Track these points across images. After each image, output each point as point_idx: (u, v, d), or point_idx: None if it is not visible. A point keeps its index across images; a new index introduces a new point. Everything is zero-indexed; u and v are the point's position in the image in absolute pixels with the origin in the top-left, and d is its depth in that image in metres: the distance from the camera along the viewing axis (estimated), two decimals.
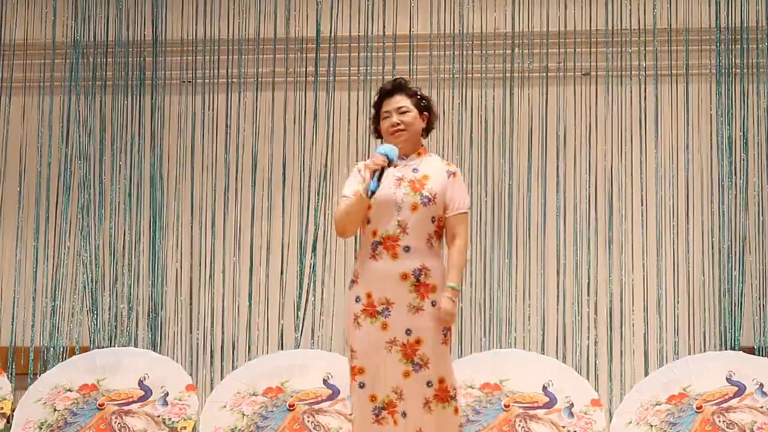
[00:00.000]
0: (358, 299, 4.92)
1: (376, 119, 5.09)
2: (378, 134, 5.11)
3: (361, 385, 4.88)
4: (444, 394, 4.88)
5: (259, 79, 7.40)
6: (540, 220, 7.15)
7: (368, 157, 5.07)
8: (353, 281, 4.97)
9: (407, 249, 4.88)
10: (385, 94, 5.06)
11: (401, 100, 5.03)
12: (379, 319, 4.88)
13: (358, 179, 4.96)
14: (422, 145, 5.09)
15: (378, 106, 5.08)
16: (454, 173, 5.02)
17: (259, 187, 7.32)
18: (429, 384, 4.86)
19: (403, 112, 5.00)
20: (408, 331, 4.86)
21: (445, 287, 4.88)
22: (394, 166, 4.94)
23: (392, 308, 4.87)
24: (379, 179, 4.83)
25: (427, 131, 5.12)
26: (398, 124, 4.99)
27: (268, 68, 7.42)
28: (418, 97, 5.07)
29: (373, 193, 4.81)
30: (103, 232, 7.35)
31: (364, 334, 4.89)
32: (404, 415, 4.84)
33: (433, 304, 4.88)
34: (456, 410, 4.93)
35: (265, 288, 7.23)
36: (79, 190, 7.37)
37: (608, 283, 7.04)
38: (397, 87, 5.06)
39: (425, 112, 5.08)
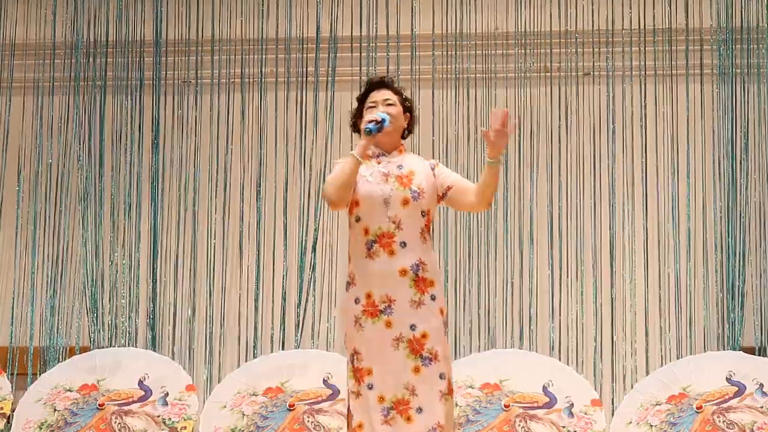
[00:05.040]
0: (357, 300, 4.86)
1: (359, 113, 5.03)
2: (357, 129, 5.04)
3: (370, 387, 4.81)
4: (448, 388, 4.85)
5: (260, 79, 7.40)
6: (541, 219, 7.14)
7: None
8: (349, 283, 4.90)
9: (404, 244, 4.83)
10: (374, 86, 5.01)
11: (388, 94, 4.98)
12: (382, 318, 4.82)
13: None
14: (402, 144, 5.03)
15: (363, 98, 5.02)
16: (436, 164, 5.00)
17: (260, 187, 7.31)
18: (442, 376, 4.81)
19: (390, 104, 4.95)
20: (413, 326, 4.81)
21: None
22: (383, 155, 4.91)
23: (394, 305, 4.81)
24: (378, 127, 4.79)
25: (409, 132, 5.07)
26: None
27: (269, 68, 7.42)
28: (403, 97, 5.04)
29: (369, 132, 4.77)
30: (102, 232, 7.34)
31: (367, 335, 4.82)
32: (420, 410, 4.80)
33: (433, 298, 4.85)
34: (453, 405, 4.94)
35: (266, 288, 7.22)
36: (79, 190, 7.37)
37: (609, 283, 7.04)
38: (386, 83, 5.02)
39: (408, 113, 5.03)
